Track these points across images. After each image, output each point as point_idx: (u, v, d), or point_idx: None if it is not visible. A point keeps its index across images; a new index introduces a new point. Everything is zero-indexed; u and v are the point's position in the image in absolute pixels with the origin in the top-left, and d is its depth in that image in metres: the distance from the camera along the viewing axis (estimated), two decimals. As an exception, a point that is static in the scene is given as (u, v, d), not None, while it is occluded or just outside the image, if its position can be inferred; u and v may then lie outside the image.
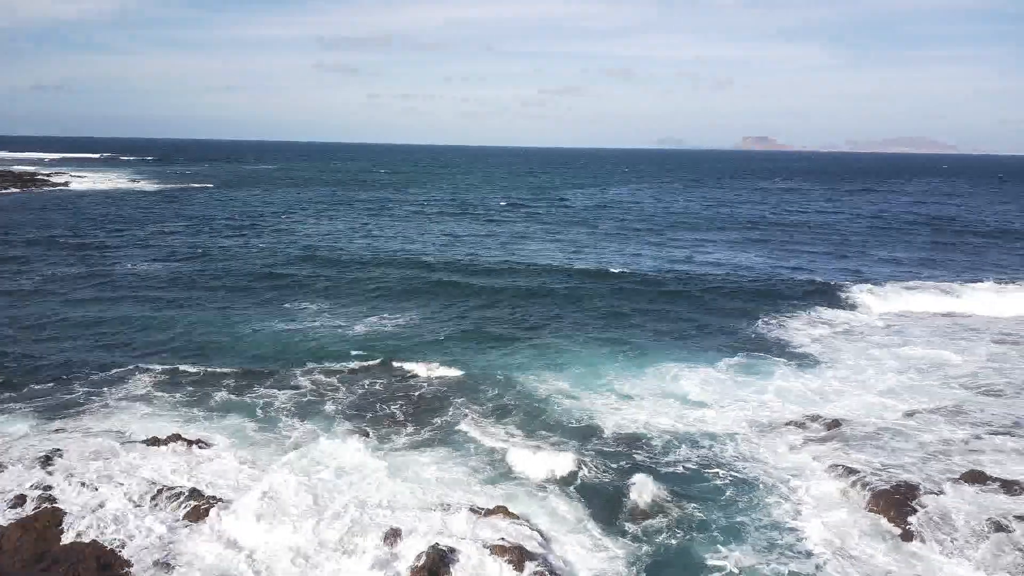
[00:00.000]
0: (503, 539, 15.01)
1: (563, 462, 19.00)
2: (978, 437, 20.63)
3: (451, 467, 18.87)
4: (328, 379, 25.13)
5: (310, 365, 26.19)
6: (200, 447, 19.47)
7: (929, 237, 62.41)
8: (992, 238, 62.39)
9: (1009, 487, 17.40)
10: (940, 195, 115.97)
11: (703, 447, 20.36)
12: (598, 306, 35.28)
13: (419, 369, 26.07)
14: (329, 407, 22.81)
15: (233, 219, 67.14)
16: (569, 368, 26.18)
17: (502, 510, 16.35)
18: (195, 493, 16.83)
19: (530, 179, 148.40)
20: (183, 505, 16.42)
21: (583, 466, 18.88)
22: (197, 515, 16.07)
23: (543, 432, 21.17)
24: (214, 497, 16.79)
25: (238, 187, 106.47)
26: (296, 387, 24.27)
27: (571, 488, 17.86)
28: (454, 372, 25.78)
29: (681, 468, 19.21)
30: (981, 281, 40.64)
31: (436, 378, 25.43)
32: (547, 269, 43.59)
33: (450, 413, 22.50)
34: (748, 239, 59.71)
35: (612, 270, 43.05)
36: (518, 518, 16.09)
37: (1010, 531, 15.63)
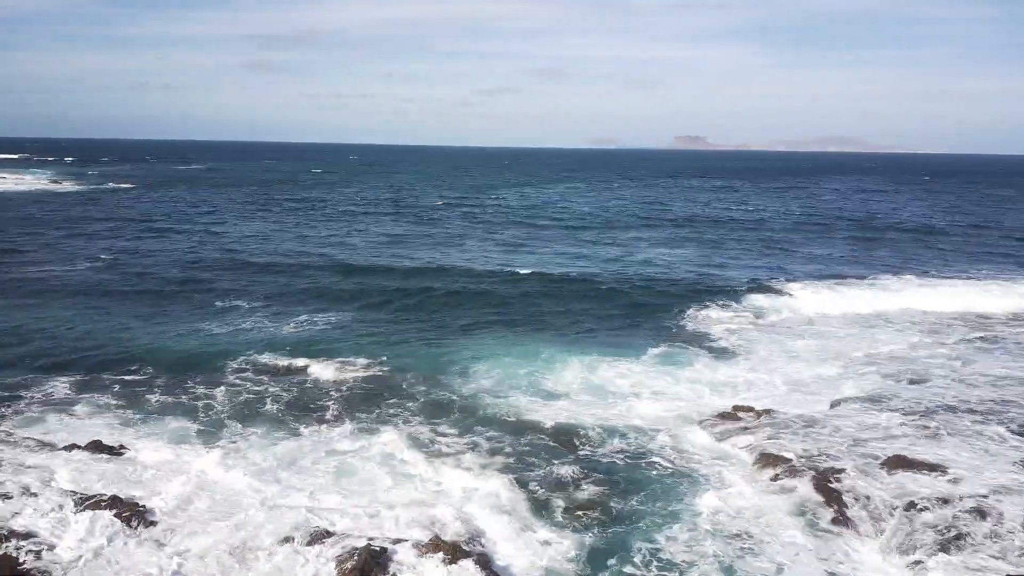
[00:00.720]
0: (438, 537, 14.83)
1: (494, 459, 18.94)
2: (901, 424, 21.21)
3: (381, 466, 18.57)
4: (257, 378, 24.63)
5: (237, 366, 25.58)
6: (122, 451, 18.78)
7: (852, 233, 64.37)
8: (914, 234, 64.58)
9: (931, 469, 17.95)
10: (867, 192, 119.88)
11: (631, 438, 20.55)
12: (530, 305, 35.26)
13: (348, 368, 25.65)
14: (258, 407, 22.31)
15: (158, 220, 65.11)
16: (500, 366, 26.11)
17: (436, 508, 16.18)
18: (116, 500, 16.16)
19: (467, 178, 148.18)
20: (104, 512, 15.74)
21: (514, 462, 18.86)
22: (119, 521, 15.43)
23: (476, 428, 21.06)
24: (136, 503, 16.15)
25: (164, 188, 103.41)
26: (224, 388, 23.63)
27: (503, 484, 17.73)
28: (383, 371, 25.49)
29: (611, 460, 19.34)
30: (902, 276, 42.08)
31: (365, 377, 25.06)
32: (481, 269, 43.39)
33: (379, 412, 22.22)
34: (680, 236, 60.70)
35: (545, 270, 43.08)
36: (453, 515, 15.94)
37: (927, 511, 16.13)
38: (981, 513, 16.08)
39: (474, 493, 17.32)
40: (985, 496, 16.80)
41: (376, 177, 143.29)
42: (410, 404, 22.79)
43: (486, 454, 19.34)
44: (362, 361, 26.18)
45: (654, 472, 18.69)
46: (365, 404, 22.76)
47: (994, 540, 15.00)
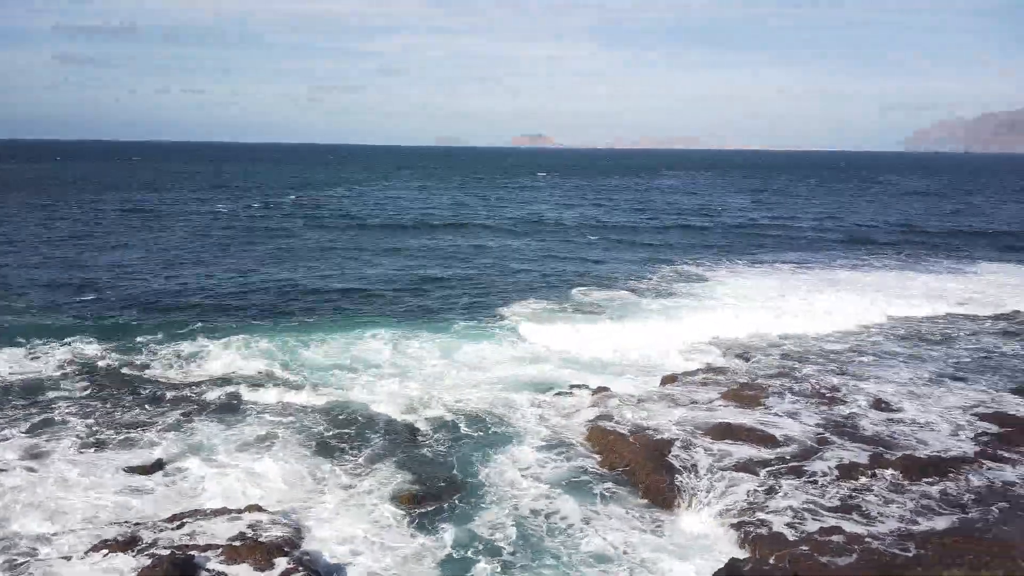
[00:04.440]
0: (256, 536, 13.75)
1: (309, 456, 18.18)
2: (728, 395, 21.91)
3: (181, 475, 17.23)
4: None
5: None
6: None
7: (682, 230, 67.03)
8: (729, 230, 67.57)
9: (753, 436, 18.60)
10: (697, 189, 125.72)
11: (462, 418, 20.42)
12: (335, 308, 32.90)
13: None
14: None
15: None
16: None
17: (255, 508, 15.07)
18: None
19: (300, 177, 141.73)
20: None
21: (326, 457, 18.25)
22: None
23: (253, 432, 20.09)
24: None
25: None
26: None
27: (317, 480, 16.93)
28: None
29: (434, 445, 19.01)
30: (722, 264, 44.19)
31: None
32: (293, 277, 39.00)
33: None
34: (517, 232, 60.38)
35: (367, 270, 41.15)
36: (270, 513, 14.89)
37: (750, 474, 16.66)
38: (797, 472, 16.81)
39: (289, 492, 16.34)
40: (801, 457, 17.60)
41: (193, 179, 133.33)
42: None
43: (296, 450, 18.51)
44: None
45: (477, 452, 18.45)
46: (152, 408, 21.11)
47: (808, 495, 15.63)
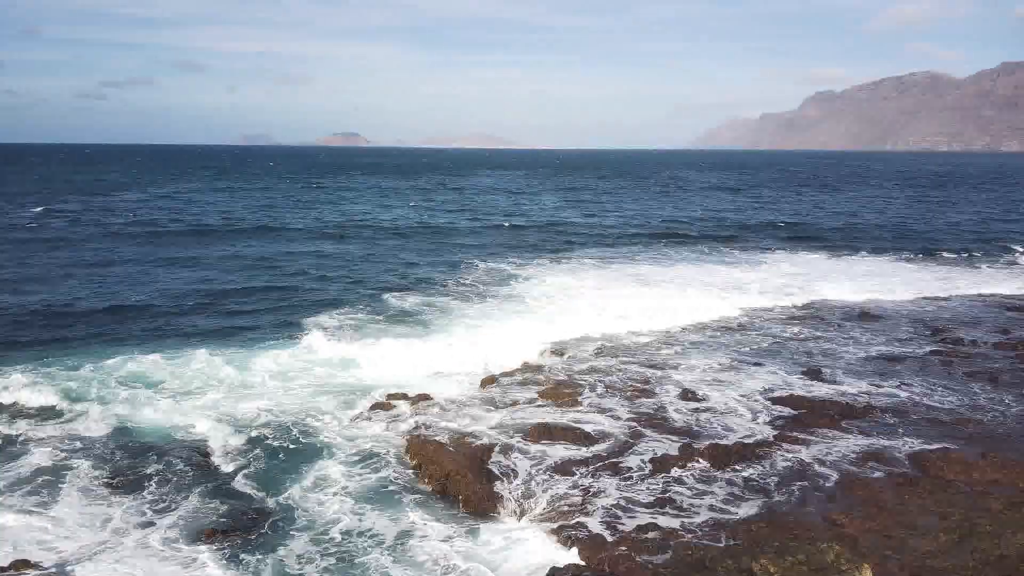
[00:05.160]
0: None
1: (101, 494, 16.23)
2: (545, 396, 21.93)
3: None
4: None
5: None
6: None
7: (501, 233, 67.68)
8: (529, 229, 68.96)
9: (571, 435, 18.64)
10: (503, 188, 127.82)
11: (269, 433, 19.14)
12: (126, 328, 29.75)
13: None
14: None
15: None
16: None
17: (24, 564, 13.14)
18: None
19: (79, 177, 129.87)
20: None
21: (121, 494, 16.36)
22: None
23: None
24: None
25: None
26: None
27: (110, 521, 15.16)
28: None
29: (240, 468, 17.63)
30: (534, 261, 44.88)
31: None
32: (77, 294, 35.29)
33: None
34: (330, 236, 58.11)
35: (163, 283, 37.78)
36: (42, 571, 13.04)
37: (572, 474, 16.65)
38: (613, 469, 16.99)
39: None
40: (616, 453, 17.85)
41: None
42: None
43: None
44: None
45: (287, 473, 17.28)
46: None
47: (624, 492, 15.79)
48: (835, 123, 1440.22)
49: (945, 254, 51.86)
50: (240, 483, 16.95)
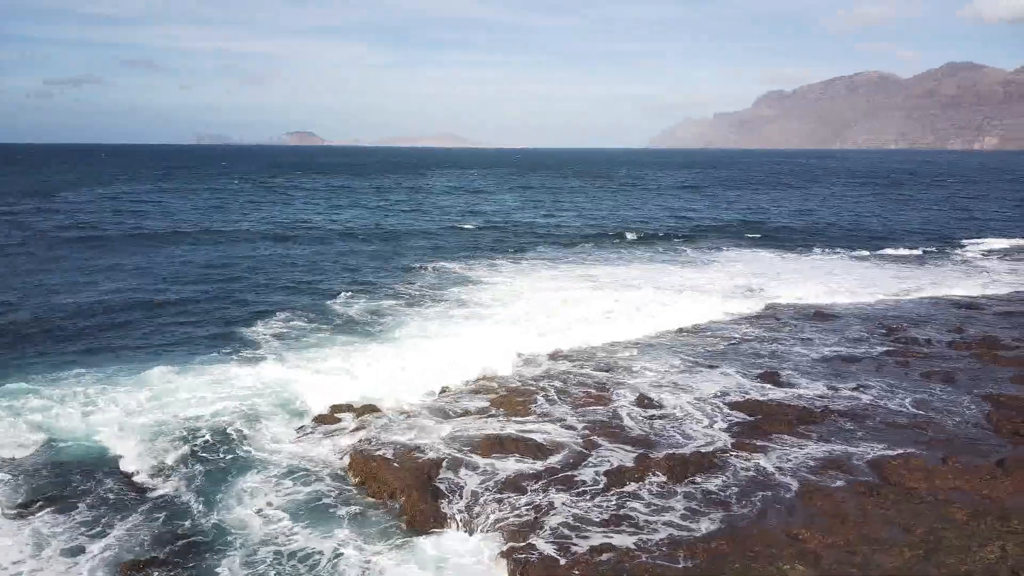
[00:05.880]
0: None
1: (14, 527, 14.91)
2: (499, 407, 21.09)
3: None
4: None
5: None
6: None
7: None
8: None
9: (524, 448, 17.83)
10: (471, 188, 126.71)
11: (186, 461, 17.81)
12: (50, 341, 28.36)
13: None
14: None
15: None
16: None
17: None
18: None
19: (22, 179, 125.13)
20: None
21: (39, 524, 15.12)
22: None
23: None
24: None
25: None
26: None
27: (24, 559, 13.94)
28: None
29: (171, 490, 16.48)
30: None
31: None
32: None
33: None
34: (277, 238, 56.38)
35: (94, 292, 36.08)
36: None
37: (524, 491, 15.84)
38: (567, 483, 16.22)
39: None
40: (570, 466, 17.08)
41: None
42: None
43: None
44: None
45: (220, 493, 16.16)
46: None
47: (578, 509, 15.02)
48: (787, 122, 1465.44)
49: (898, 251, 52.28)
50: (170, 505, 15.82)
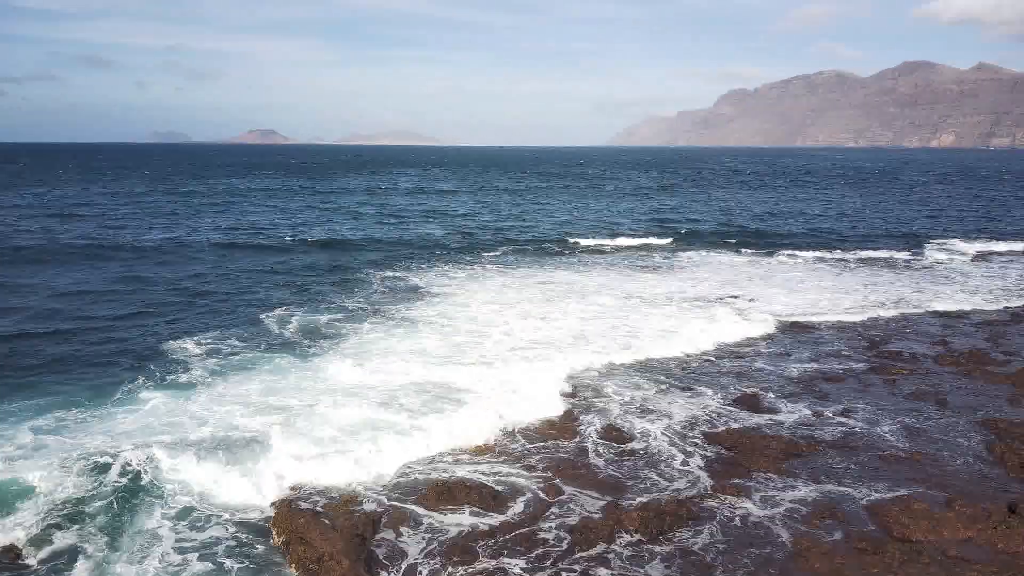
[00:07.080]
0: None
1: None
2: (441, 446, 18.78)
3: None
4: None
5: None
6: None
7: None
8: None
9: (478, 498, 15.54)
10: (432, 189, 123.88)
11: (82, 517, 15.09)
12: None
13: None
14: None
15: None
16: None
17: None
18: None
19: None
20: None
21: None
22: None
23: None
24: None
25: None
26: None
27: None
28: None
29: (65, 542, 13.70)
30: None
31: None
32: None
33: None
34: (218, 246, 52.87)
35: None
36: None
37: (477, 555, 13.57)
38: (527, 543, 13.96)
39: None
40: (530, 520, 14.84)
41: None
42: None
43: None
44: None
45: (119, 551, 13.50)
46: None
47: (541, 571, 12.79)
48: (748, 120, 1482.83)
49: (868, 253, 50.99)
50: (56, 567, 13.21)
